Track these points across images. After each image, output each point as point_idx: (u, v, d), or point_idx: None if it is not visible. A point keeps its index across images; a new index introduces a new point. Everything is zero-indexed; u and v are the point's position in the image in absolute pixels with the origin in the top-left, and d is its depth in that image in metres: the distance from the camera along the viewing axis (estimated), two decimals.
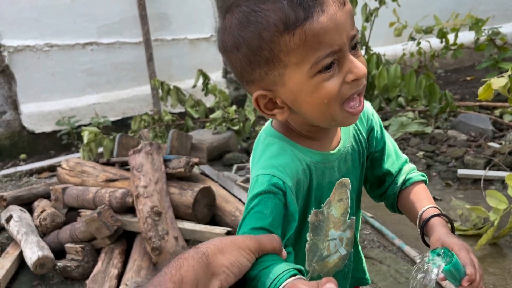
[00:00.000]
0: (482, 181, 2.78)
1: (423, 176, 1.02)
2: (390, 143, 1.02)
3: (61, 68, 4.61)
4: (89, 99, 4.79)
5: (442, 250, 0.74)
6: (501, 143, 3.27)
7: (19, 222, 2.41)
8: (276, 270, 0.68)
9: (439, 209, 0.93)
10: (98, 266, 2.12)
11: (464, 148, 3.21)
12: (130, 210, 2.28)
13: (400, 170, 1.01)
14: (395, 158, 1.01)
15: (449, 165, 3.10)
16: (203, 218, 2.26)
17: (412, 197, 0.97)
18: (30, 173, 3.71)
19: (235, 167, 3.34)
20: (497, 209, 2.27)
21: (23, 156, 4.78)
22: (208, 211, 2.31)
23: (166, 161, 2.37)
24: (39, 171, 3.72)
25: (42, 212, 2.42)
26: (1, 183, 3.56)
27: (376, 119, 1.00)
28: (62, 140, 4.83)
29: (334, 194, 0.92)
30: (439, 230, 0.87)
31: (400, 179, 1.00)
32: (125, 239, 2.31)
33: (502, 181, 2.83)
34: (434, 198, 2.80)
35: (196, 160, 2.31)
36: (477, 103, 3.69)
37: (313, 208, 0.89)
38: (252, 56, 0.77)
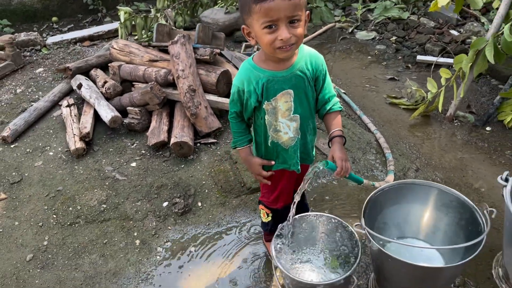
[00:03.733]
0: (432, 66, 3.61)
1: (340, 108, 1.65)
2: (329, 83, 1.63)
3: None
4: None
5: (324, 162, 1.52)
6: (460, 31, 3.96)
7: (89, 90, 3.33)
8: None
9: (342, 131, 1.60)
10: (153, 123, 3.11)
11: (429, 35, 3.92)
12: (170, 84, 3.18)
13: (329, 99, 1.63)
14: (327, 91, 1.63)
15: (413, 50, 3.87)
16: (223, 93, 3.18)
17: (330, 121, 1.63)
18: (74, 41, 4.48)
19: (243, 45, 4.11)
20: (432, 92, 3.19)
21: (55, 19, 5.45)
22: (226, 87, 3.21)
23: (195, 49, 3.18)
24: (81, 40, 4.49)
25: (105, 83, 3.32)
26: (53, 49, 4.37)
27: (324, 67, 1.58)
28: (88, 6, 5.45)
29: (282, 96, 1.53)
30: (335, 147, 1.56)
31: (328, 107, 1.64)
32: (168, 105, 3.26)
33: (449, 66, 3.63)
34: (393, 79, 3.68)
35: (218, 50, 3.11)
36: None
37: (266, 101, 1.54)
38: (241, 8, 1.38)
